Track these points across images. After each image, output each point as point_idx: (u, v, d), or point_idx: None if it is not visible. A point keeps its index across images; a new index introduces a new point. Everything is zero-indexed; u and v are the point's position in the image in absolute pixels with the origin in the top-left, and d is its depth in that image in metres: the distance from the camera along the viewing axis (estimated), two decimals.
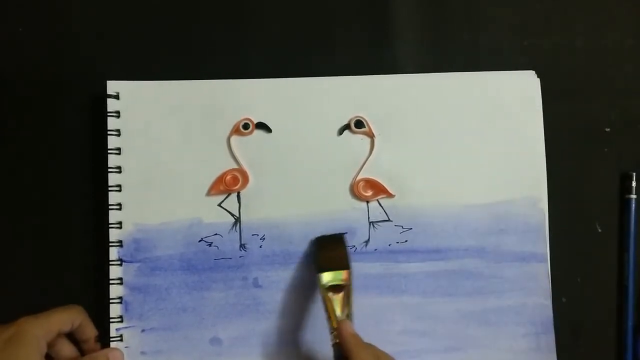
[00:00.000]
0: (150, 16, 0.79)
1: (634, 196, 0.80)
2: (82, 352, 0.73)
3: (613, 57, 0.83)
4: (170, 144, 0.76)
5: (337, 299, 0.69)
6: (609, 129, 0.82)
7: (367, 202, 0.77)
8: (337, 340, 0.67)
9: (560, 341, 0.78)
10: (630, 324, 0.80)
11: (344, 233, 0.76)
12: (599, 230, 0.82)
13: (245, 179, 0.76)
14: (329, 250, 0.74)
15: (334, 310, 0.69)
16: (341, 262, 0.72)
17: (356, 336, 0.67)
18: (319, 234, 0.76)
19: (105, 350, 0.73)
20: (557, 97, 0.80)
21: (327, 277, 0.71)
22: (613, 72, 0.83)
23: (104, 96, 0.75)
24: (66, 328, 0.71)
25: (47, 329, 0.69)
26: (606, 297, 0.81)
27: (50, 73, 0.78)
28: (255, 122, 0.76)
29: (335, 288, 0.70)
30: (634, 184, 0.80)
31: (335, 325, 0.68)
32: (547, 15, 0.82)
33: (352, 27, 0.81)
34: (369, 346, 0.66)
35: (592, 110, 0.82)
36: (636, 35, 0.83)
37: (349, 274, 0.71)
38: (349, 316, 0.69)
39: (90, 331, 0.73)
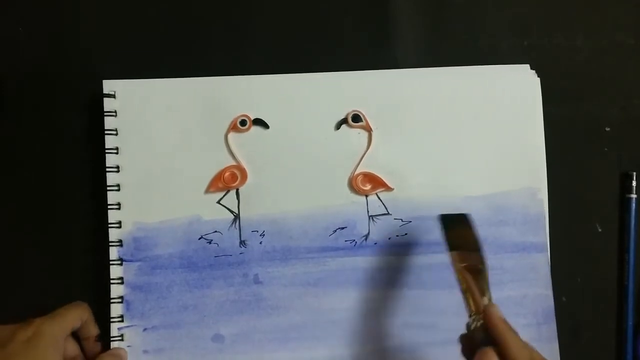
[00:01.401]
0: (150, 16, 0.79)
1: (634, 196, 0.81)
2: (82, 350, 0.74)
3: (613, 57, 0.83)
4: (167, 142, 0.76)
5: (473, 281, 0.67)
6: (609, 129, 0.82)
7: (366, 196, 0.77)
8: (481, 322, 0.63)
9: (560, 341, 0.78)
10: (630, 323, 0.80)
11: (468, 214, 0.73)
12: (599, 230, 0.82)
13: (244, 176, 0.76)
14: (456, 229, 0.72)
15: (474, 292, 0.66)
16: (472, 243, 0.70)
17: (507, 323, 0.63)
18: (320, 229, 0.77)
19: (111, 351, 0.74)
20: (557, 97, 0.80)
21: (462, 258, 0.69)
22: (613, 72, 0.83)
23: (101, 95, 0.75)
24: (77, 326, 0.72)
25: (64, 329, 0.70)
26: (606, 297, 0.82)
27: (50, 73, 0.78)
28: (252, 118, 0.76)
29: (473, 269, 0.68)
30: (634, 183, 0.80)
31: (476, 308, 0.65)
32: (547, 15, 0.83)
33: (352, 26, 0.81)
34: (519, 337, 0.63)
35: (592, 110, 0.82)
36: (637, 35, 0.83)
37: (484, 257, 0.69)
38: (490, 300, 0.66)
39: (92, 329, 0.74)
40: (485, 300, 0.66)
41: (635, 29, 0.83)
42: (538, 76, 0.80)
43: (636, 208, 0.81)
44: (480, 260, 0.69)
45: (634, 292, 0.81)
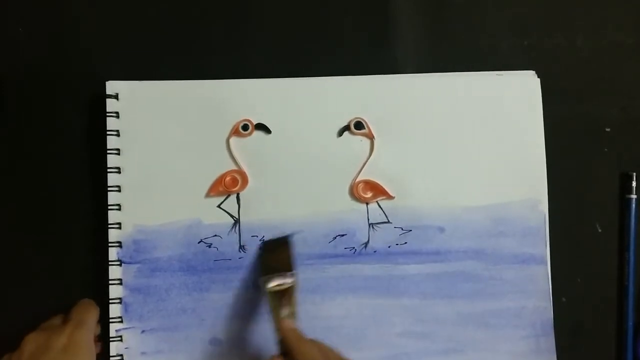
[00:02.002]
0: (150, 16, 0.79)
1: (634, 196, 0.80)
2: None
3: (613, 57, 0.83)
4: (169, 145, 0.76)
5: (280, 300, 0.69)
6: (609, 129, 0.82)
7: (367, 203, 0.77)
8: (280, 338, 0.67)
9: (560, 341, 0.78)
10: (630, 324, 0.80)
11: (290, 234, 0.76)
12: (599, 230, 0.82)
13: (245, 180, 0.76)
14: (273, 252, 0.74)
15: (277, 311, 0.68)
16: (285, 264, 0.72)
17: (296, 330, 0.67)
18: (320, 236, 0.76)
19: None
20: (557, 97, 0.80)
21: (270, 281, 0.70)
22: (613, 72, 0.83)
23: (103, 96, 0.75)
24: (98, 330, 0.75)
25: (93, 334, 0.72)
26: (606, 297, 0.82)
27: (50, 73, 0.78)
28: (254, 123, 0.76)
29: (280, 290, 0.70)
30: (634, 183, 0.80)
31: (277, 325, 0.68)
32: (547, 15, 0.82)
33: (352, 27, 0.81)
34: (312, 340, 0.66)
35: (592, 110, 0.82)
36: (636, 35, 0.83)
37: (292, 275, 0.71)
38: (292, 315, 0.69)
39: (97, 329, 0.74)
40: (284, 316, 0.68)
41: (635, 29, 0.83)
42: (538, 76, 0.79)
43: (636, 208, 0.81)
44: (288, 278, 0.71)
45: (634, 292, 0.81)
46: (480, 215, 0.78)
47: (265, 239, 0.76)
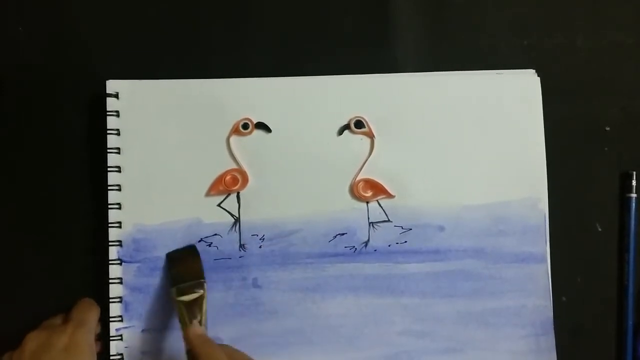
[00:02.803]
0: (150, 16, 0.79)
1: (634, 195, 0.80)
2: None
3: (613, 57, 0.83)
4: (169, 144, 0.76)
5: (189, 308, 0.69)
6: (609, 129, 0.82)
7: (367, 202, 0.77)
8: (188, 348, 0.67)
9: (560, 341, 0.78)
10: (630, 323, 0.80)
11: (194, 245, 0.76)
12: (599, 230, 0.81)
13: (245, 179, 0.76)
14: (181, 262, 0.74)
15: (185, 320, 0.68)
16: (194, 273, 0.72)
17: (204, 335, 0.67)
18: (320, 235, 0.76)
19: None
20: (557, 97, 0.80)
21: (179, 291, 0.70)
22: (613, 72, 0.83)
23: (103, 96, 0.75)
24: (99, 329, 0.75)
25: (94, 334, 0.72)
26: (606, 297, 0.81)
27: (50, 73, 0.78)
28: (254, 122, 0.76)
29: (189, 300, 0.69)
30: (634, 182, 0.80)
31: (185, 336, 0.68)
32: (547, 15, 0.82)
33: (352, 27, 0.81)
34: (222, 345, 0.66)
35: (592, 110, 0.82)
36: (636, 35, 0.83)
37: (202, 285, 0.71)
38: (200, 323, 0.68)
39: (97, 327, 0.74)
40: (194, 324, 0.68)
41: (635, 29, 0.83)
42: (538, 76, 0.79)
43: (636, 207, 0.81)
44: (198, 288, 0.70)
45: (634, 292, 0.81)
46: (480, 214, 0.78)
47: (266, 238, 0.76)
